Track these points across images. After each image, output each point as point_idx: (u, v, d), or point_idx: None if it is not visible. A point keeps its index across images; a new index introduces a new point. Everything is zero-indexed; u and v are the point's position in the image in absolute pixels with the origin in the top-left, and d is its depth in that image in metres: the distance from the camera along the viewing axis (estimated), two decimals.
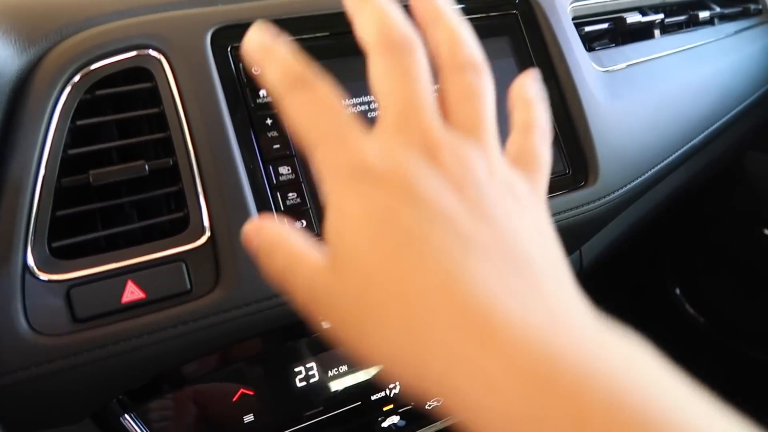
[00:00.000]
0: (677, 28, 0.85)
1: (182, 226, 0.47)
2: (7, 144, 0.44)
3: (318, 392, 0.55)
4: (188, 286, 0.45)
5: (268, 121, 0.51)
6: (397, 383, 0.59)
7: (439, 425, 0.60)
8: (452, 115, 0.33)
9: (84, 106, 0.46)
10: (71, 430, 0.47)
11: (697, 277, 1.54)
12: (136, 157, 0.47)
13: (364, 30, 0.34)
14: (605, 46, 0.74)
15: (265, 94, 0.52)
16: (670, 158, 0.72)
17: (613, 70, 0.69)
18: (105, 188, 0.46)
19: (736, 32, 0.91)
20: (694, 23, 0.86)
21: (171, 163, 0.47)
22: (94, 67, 0.47)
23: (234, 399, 0.51)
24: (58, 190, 0.44)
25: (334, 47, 0.55)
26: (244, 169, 0.49)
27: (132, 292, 0.44)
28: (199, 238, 0.46)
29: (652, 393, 0.24)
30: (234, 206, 0.47)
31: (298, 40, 0.53)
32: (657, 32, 0.80)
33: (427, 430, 0.60)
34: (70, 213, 0.44)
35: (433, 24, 0.35)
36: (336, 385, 0.56)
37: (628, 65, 0.71)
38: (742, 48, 0.90)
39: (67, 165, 0.45)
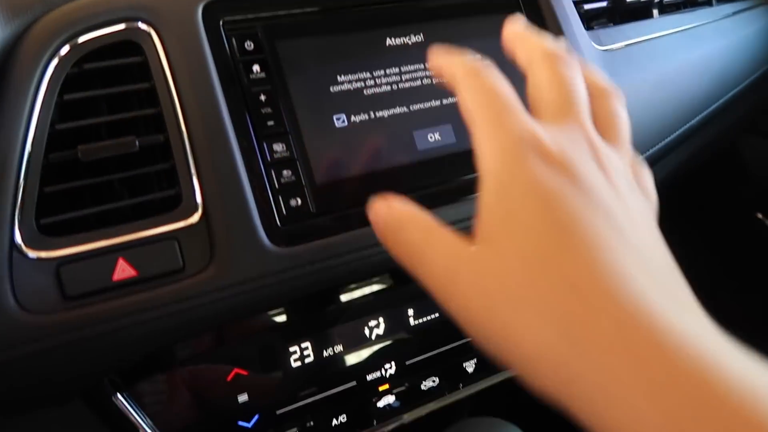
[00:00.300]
0: (675, 8, 0.84)
1: (174, 203, 0.46)
2: None
3: (313, 372, 0.54)
4: (181, 264, 0.45)
5: (262, 98, 0.50)
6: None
7: (433, 406, 0.60)
8: (600, 129, 0.37)
9: (72, 80, 0.45)
10: (62, 411, 0.47)
11: (689, 262, 1.54)
12: (127, 133, 0.45)
13: (531, 49, 0.39)
14: (604, 25, 0.73)
15: (258, 70, 0.51)
16: (668, 139, 0.72)
17: (612, 50, 0.68)
18: (94, 165, 0.44)
19: (734, 13, 0.90)
20: (692, 3, 0.86)
21: (162, 139, 0.46)
22: (81, 39, 0.45)
23: (228, 379, 0.51)
24: (45, 166, 0.43)
25: (327, 23, 0.54)
26: (237, 145, 0.48)
27: (123, 270, 0.43)
28: (191, 215, 0.45)
29: None
30: (227, 183, 0.47)
31: (289, 15, 0.52)
32: (655, 12, 0.79)
33: (422, 410, 0.60)
34: (59, 189, 0.43)
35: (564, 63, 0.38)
36: (331, 365, 0.55)
37: (626, 44, 0.70)
38: (739, 29, 0.89)
39: (55, 140, 0.44)
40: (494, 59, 0.59)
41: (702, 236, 1.51)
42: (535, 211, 0.28)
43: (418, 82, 0.57)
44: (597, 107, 0.38)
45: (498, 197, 0.30)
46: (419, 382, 0.60)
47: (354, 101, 0.54)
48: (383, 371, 0.58)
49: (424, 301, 0.60)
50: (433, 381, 0.60)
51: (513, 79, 0.38)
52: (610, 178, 0.32)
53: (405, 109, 0.56)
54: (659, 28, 0.76)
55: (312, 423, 0.55)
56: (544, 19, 0.62)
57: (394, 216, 0.35)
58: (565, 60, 0.38)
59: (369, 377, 0.57)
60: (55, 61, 0.44)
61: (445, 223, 0.34)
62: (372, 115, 0.54)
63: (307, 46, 0.52)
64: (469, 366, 0.62)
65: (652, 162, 0.74)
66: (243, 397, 0.51)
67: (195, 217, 0.45)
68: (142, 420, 0.48)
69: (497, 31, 0.60)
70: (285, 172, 0.50)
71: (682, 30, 0.79)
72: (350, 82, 0.54)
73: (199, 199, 0.46)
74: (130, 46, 0.47)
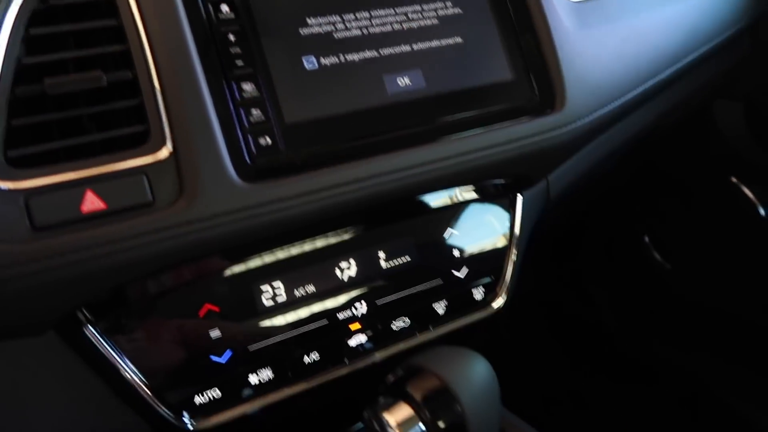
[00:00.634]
0: None
1: (143, 139, 0.46)
2: None
3: (284, 311, 0.56)
4: (150, 198, 0.45)
5: (231, 37, 0.51)
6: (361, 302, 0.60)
7: (403, 345, 0.62)
8: None
9: (38, 15, 0.45)
10: (35, 342, 0.47)
11: (665, 226, 1.57)
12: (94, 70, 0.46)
13: None
14: None
15: (227, 10, 0.51)
16: (638, 90, 0.73)
17: (584, 0, 0.69)
18: (63, 100, 0.45)
19: None
20: None
21: (131, 75, 0.47)
22: None
23: (200, 314, 0.52)
24: (12, 101, 0.43)
25: None
26: (206, 84, 0.48)
27: (92, 202, 0.44)
28: (160, 151, 0.46)
29: None
30: (196, 120, 0.47)
31: None
32: None
33: (393, 349, 0.61)
34: (27, 123, 0.44)
35: None
36: (302, 304, 0.56)
37: None
38: None
39: (21, 75, 0.44)
40: (469, 14, 0.60)
41: (677, 201, 1.54)
42: None
43: (389, 27, 0.57)
44: None
45: None
46: (390, 323, 0.61)
47: (324, 44, 0.54)
48: (354, 311, 0.59)
49: (396, 243, 0.61)
50: (404, 322, 0.62)
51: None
52: None
53: (375, 53, 0.56)
54: None
55: (285, 360, 0.56)
56: None
57: None
58: None
59: (340, 316, 0.58)
60: None
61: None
62: (342, 59, 0.55)
63: None
64: (440, 308, 0.64)
65: (625, 112, 0.76)
66: (215, 333, 0.53)
67: (164, 153, 0.46)
68: (114, 352, 0.49)
69: None
70: (254, 112, 0.50)
71: None
72: (320, 25, 0.54)
73: (167, 135, 0.46)
74: None
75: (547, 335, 1.81)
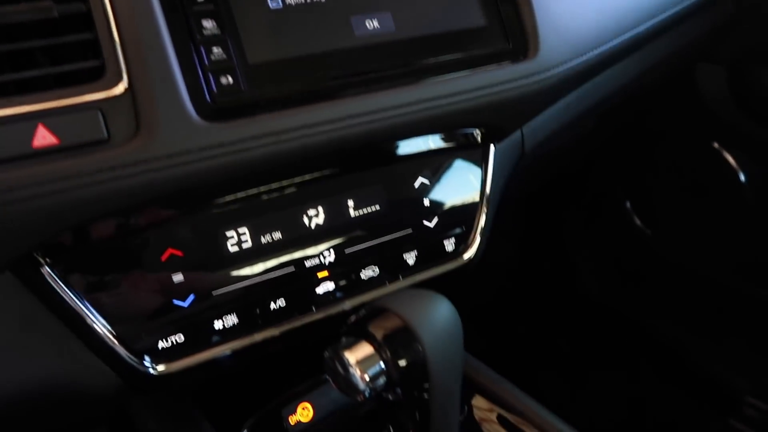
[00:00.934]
0: None
1: (99, 74, 0.45)
2: None
3: (250, 257, 0.55)
4: (105, 134, 0.44)
5: None
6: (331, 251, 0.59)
7: (372, 294, 0.61)
8: None
9: None
10: None
11: (647, 191, 1.58)
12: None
13: None
14: None
15: None
16: (615, 42, 0.72)
17: None
18: (12, 30, 0.43)
19: None
20: None
21: (84, 8, 0.45)
22: None
23: (162, 259, 0.51)
24: None
25: None
26: (163, 20, 0.47)
27: (44, 137, 0.42)
28: (115, 86, 0.45)
29: None
30: (153, 56, 0.46)
31: None
32: None
33: (362, 298, 0.61)
34: None
35: None
36: (268, 251, 0.56)
37: None
38: None
39: None
40: None
41: (659, 167, 1.54)
42: None
43: None
44: None
45: None
46: (359, 272, 0.61)
47: None
48: (322, 259, 0.59)
49: (365, 191, 0.60)
50: (373, 271, 0.62)
51: None
52: None
53: None
54: None
55: (250, 307, 0.56)
56: None
57: None
58: None
59: (308, 264, 0.58)
60: None
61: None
62: None
63: None
64: (410, 258, 0.64)
65: (603, 65, 0.75)
66: (178, 278, 0.52)
67: (119, 89, 0.45)
68: (73, 295, 0.48)
69: None
70: (215, 50, 0.49)
71: None
72: None
73: (123, 70, 0.45)
74: None
75: (525, 295, 1.83)
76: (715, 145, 1.45)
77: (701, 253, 1.53)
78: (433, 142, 0.64)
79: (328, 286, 0.60)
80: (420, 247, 0.64)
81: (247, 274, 0.55)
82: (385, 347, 0.45)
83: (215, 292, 0.54)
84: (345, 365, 0.45)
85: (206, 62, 0.48)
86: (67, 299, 0.49)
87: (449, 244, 0.66)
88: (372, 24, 0.56)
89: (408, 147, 0.62)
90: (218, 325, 0.55)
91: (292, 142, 0.50)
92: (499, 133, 0.68)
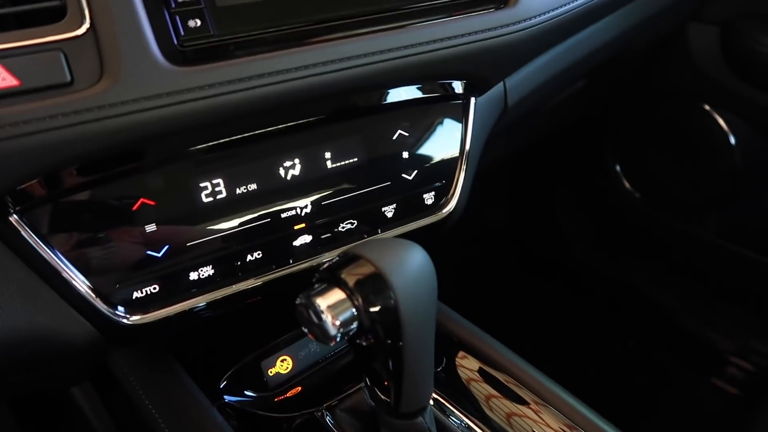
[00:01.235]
0: None
1: (60, 15, 0.44)
2: None
3: (225, 208, 0.54)
4: (68, 77, 0.43)
5: None
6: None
7: (350, 246, 0.61)
8: None
9: None
10: None
11: (637, 154, 1.57)
12: None
13: None
14: None
15: None
16: None
17: None
18: None
19: None
20: None
21: None
22: None
23: (134, 208, 0.50)
24: None
25: None
26: None
27: (3, 79, 0.41)
28: (78, 27, 0.44)
29: None
30: None
31: None
32: None
33: (339, 251, 0.60)
34: None
35: None
36: (244, 202, 0.55)
37: None
38: None
39: None
40: None
41: (649, 130, 1.53)
42: None
43: None
44: None
45: None
46: (337, 224, 0.60)
47: None
48: (299, 211, 0.58)
49: (343, 142, 0.60)
50: (351, 223, 0.61)
51: None
52: None
53: None
54: None
55: (226, 258, 0.55)
56: None
57: None
58: None
59: (284, 216, 0.57)
60: None
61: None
62: None
63: None
64: (388, 210, 0.63)
65: (587, 17, 0.74)
66: (151, 228, 0.51)
67: (82, 29, 0.44)
68: (43, 243, 0.48)
69: None
70: None
71: None
72: None
73: (85, 10, 0.44)
74: None
75: (513, 258, 1.84)
76: (706, 107, 1.44)
77: (690, 216, 1.53)
78: (413, 92, 0.62)
79: (305, 239, 0.59)
80: (399, 199, 0.63)
81: (223, 225, 0.55)
82: (357, 293, 0.45)
83: (190, 243, 0.53)
84: (317, 311, 0.44)
85: (172, 4, 0.47)
86: (38, 248, 0.48)
87: (429, 198, 0.66)
88: None
89: (387, 97, 0.61)
90: (194, 276, 0.54)
91: (263, 89, 0.49)
92: (481, 84, 0.67)
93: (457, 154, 0.67)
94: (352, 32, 0.53)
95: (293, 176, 0.57)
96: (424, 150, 0.64)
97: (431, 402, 0.57)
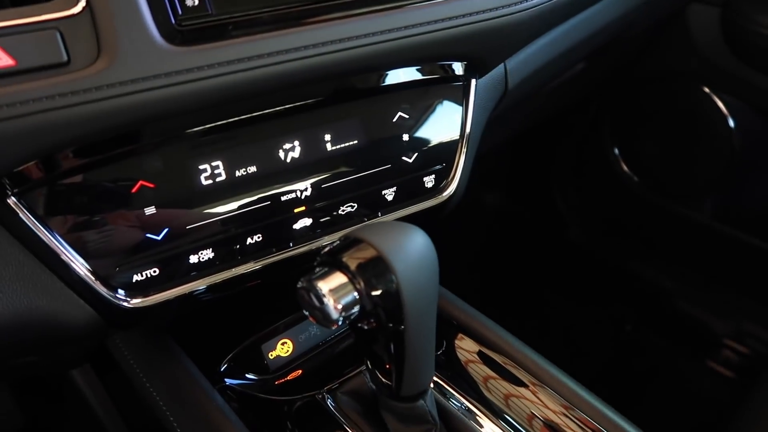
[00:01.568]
0: None
1: None
2: None
3: (224, 190, 0.54)
4: (65, 56, 0.42)
5: None
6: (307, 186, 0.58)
7: (349, 230, 0.61)
8: None
9: None
10: None
11: (635, 137, 1.57)
12: None
13: None
14: None
15: None
16: None
17: None
18: None
19: None
20: None
21: None
22: None
23: (133, 191, 0.50)
24: None
25: None
26: None
27: None
28: (74, 6, 0.43)
29: None
30: None
31: None
32: None
33: (339, 234, 0.60)
34: None
35: None
36: (244, 185, 0.55)
37: None
38: None
39: None
40: None
41: (647, 113, 1.52)
42: None
43: None
44: None
45: None
46: (337, 207, 0.60)
47: None
48: (299, 194, 0.58)
49: (343, 124, 0.59)
50: (351, 206, 0.61)
51: None
52: None
53: None
54: None
55: (226, 241, 0.55)
56: None
57: None
58: None
59: (284, 199, 0.57)
60: None
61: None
62: None
63: None
64: (389, 193, 0.63)
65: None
66: (150, 210, 0.51)
67: (78, 8, 0.43)
68: (42, 226, 0.47)
69: None
70: None
71: None
72: None
73: None
74: None
75: (511, 241, 1.84)
76: (705, 89, 1.43)
77: (688, 200, 1.53)
78: (413, 74, 0.62)
79: (305, 222, 0.59)
80: (399, 182, 0.63)
81: (222, 208, 0.54)
82: (359, 277, 0.44)
83: (189, 226, 0.53)
84: (319, 295, 0.44)
85: None
86: (36, 231, 0.48)
87: (429, 181, 0.65)
88: None
89: (387, 79, 0.60)
90: (193, 259, 0.54)
91: (262, 70, 0.49)
92: (481, 66, 0.67)
93: (458, 137, 0.66)
94: (352, 12, 0.52)
95: (293, 159, 0.57)
96: (425, 132, 0.64)
97: (432, 385, 0.57)
